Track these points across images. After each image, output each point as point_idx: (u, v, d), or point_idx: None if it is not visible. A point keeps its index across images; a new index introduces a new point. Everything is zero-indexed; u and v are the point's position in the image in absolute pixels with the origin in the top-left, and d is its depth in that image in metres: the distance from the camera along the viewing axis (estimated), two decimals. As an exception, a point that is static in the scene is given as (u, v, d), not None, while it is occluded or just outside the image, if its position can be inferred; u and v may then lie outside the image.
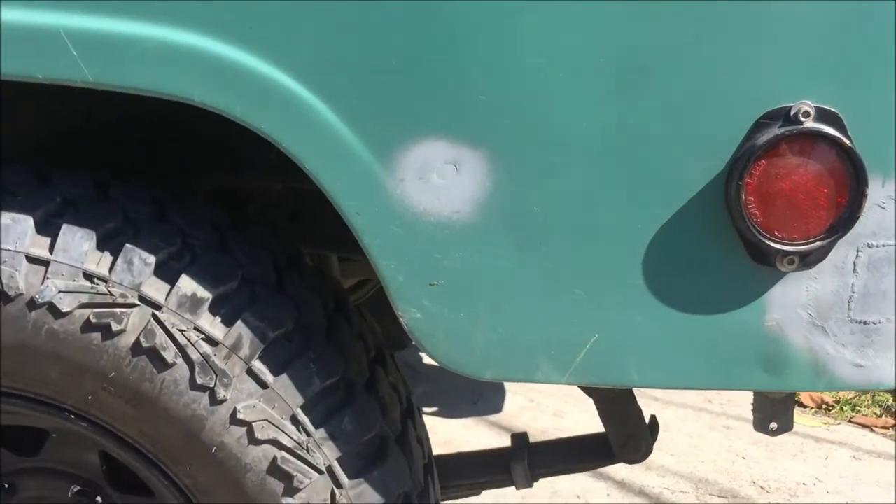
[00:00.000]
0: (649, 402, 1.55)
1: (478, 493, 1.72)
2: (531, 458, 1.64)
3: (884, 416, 3.41)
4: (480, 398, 3.38)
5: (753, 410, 1.44)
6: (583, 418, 3.26)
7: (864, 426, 3.36)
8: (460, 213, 1.08)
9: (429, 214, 1.08)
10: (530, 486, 1.66)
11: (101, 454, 1.31)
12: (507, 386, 3.45)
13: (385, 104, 1.06)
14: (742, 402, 3.48)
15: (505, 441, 3.02)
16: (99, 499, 1.34)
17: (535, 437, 1.72)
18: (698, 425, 3.31)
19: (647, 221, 1.07)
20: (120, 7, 1.04)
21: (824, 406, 3.50)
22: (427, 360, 3.50)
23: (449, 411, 3.25)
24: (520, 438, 1.70)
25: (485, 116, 1.05)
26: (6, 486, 1.35)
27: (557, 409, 3.40)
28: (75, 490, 1.34)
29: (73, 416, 1.18)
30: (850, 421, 3.41)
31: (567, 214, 1.07)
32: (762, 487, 2.85)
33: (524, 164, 1.07)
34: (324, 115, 1.06)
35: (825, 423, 3.36)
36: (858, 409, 3.47)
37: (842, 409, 3.47)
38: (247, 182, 1.72)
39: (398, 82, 1.05)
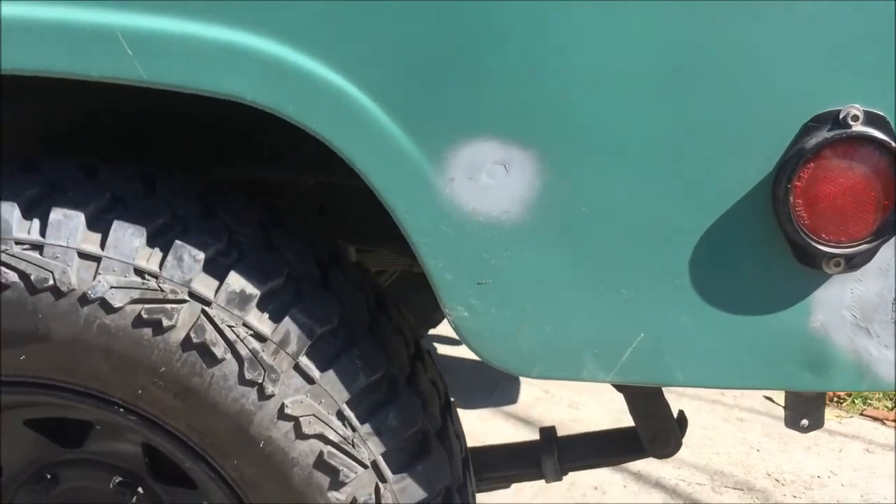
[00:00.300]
0: (662, 394, 1.57)
1: (507, 486, 1.74)
2: (561, 452, 1.66)
3: (895, 411, 3.43)
4: (496, 389, 3.40)
5: (785, 407, 1.45)
6: (597, 410, 3.29)
7: (875, 419, 3.39)
8: (509, 213, 1.09)
9: (478, 214, 1.09)
10: (560, 479, 1.67)
11: (144, 446, 1.32)
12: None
13: (436, 104, 1.07)
14: (754, 394, 3.50)
15: (521, 432, 3.05)
16: (140, 490, 1.36)
17: (551, 428, 1.73)
18: (712, 417, 3.33)
19: (694, 222, 1.08)
20: (174, 7, 1.05)
21: (836, 399, 3.52)
22: (441, 350, 3.52)
23: (465, 402, 3.26)
24: (548, 432, 1.71)
25: (536, 117, 1.06)
26: (48, 476, 1.37)
27: (572, 401, 3.42)
28: (117, 481, 1.36)
29: (122, 410, 1.19)
30: (861, 414, 3.43)
31: (615, 215, 1.08)
32: (777, 480, 2.87)
33: (573, 164, 1.08)
34: (374, 115, 1.07)
35: (837, 417, 3.38)
36: (870, 402, 3.49)
37: (853, 402, 3.49)
38: (279, 176, 1.73)
39: (449, 82, 1.06)
